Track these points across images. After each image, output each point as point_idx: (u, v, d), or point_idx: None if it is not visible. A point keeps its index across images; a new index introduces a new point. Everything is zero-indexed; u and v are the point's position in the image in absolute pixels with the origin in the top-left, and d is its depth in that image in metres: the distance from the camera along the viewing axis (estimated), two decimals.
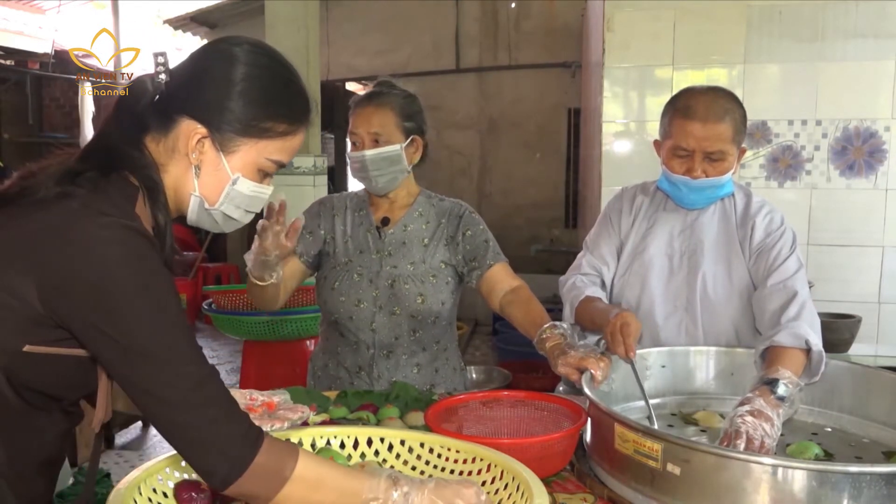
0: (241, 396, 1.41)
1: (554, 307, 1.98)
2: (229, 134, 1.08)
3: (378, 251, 1.95)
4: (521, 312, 1.82)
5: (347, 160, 1.96)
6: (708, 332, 1.82)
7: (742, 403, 1.43)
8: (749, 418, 1.40)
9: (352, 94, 10.89)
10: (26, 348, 0.98)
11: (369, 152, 1.87)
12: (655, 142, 1.88)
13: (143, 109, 1.08)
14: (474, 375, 4.19)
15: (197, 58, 1.12)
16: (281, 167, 1.15)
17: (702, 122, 1.71)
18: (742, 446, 1.35)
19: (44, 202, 0.98)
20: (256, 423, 1.03)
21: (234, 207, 1.14)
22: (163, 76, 1.10)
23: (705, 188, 1.78)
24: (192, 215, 1.14)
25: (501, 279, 1.92)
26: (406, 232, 1.97)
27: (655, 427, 1.50)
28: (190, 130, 1.07)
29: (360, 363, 1.96)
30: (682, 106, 1.76)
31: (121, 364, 0.97)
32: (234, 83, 1.07)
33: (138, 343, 0.95)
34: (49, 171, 1.02)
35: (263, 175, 1.14)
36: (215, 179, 1.10)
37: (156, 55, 1.12)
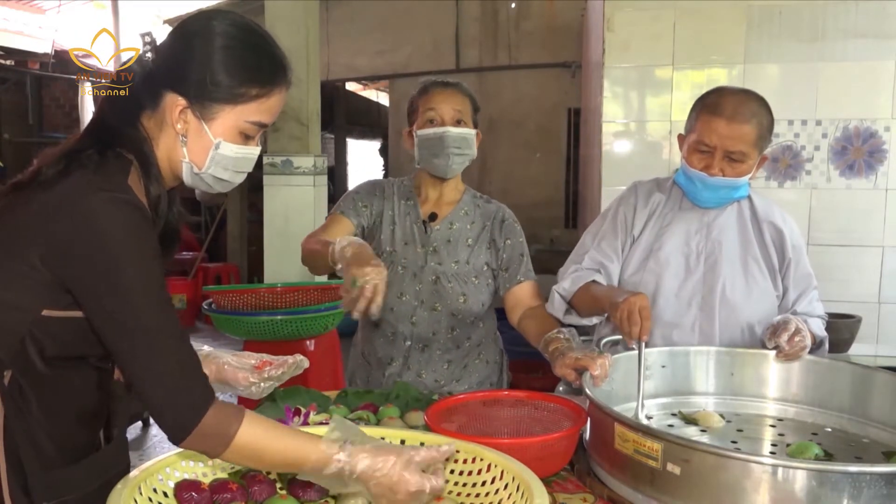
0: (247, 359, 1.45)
1: None
2: (207, 102, 1.16)
3: (423, 245, 1.97)
4: (535, 325, 1.85)
5: (415, 137, 1.93)
6: (724, 332, 1.82)
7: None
8: (792, 317, 1.68)
9: (352, 94, 10.91)
10: (44, 312, 1.08)
11: (454, 129, 1.90)
12: (679, 136, 1.87)
13: (135, 89, 1.18)
14: None
15: (176, 34, 1.20)
16: (263, 127, 1.22)
17: (727, 121, 1.70)
18: (793, 326, 1.65)
19: (46, 182, 1.08)
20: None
21: (221, 169, 1.21)
22: (149, 55, 1.18)
23: (720, 187, 1.77)
24: (186, 179, 1.22)
25: (526, 297, 1.96)
26: (452, 230, 1.98)
27: (642, 415, 1.54)
28: (172, 103, 1.16)
29: (394, 354, 1.98)
30: (711, 102, 1.75)
31: (105, 324, 1.07)
32: (208, 55, 1.15)
33: (126, 311, 1.05)
34: (52, 153, 1.12)
35: (246, 137, 1.21)
36: (200, 146, 1.18)
37: (142, 35, 1.21)
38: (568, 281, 1.85)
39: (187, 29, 1.18)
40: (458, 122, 1.91)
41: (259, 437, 1.08)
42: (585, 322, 1.84)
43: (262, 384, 1.41)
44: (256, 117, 1.19)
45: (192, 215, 7.84)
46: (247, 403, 1.37)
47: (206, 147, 1.18)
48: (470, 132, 1.93)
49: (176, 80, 1.15)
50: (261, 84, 1.18)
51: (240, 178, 1.25)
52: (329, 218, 2.00)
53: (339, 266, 1.59)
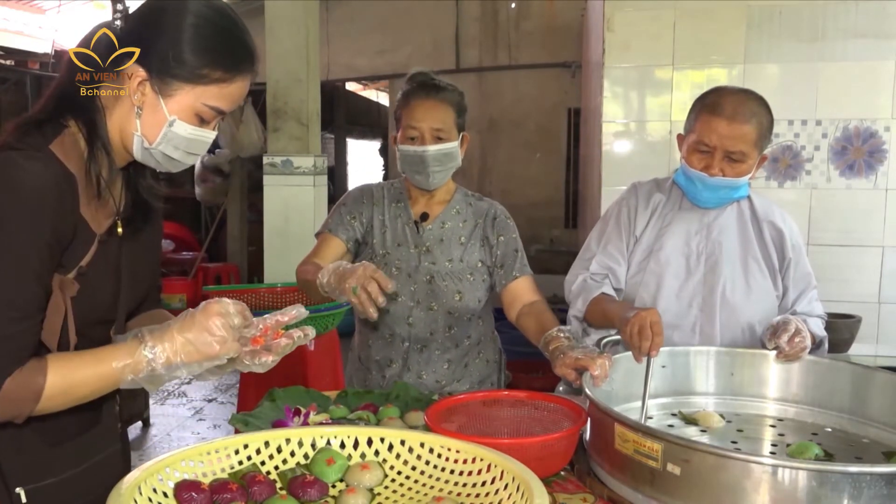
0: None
1: (555, 307, 1.98)
2: (167, 78, 1.15)
3: (416, 246, 1.96)
4: (534, 322, 1.85)
5: (397, 153, 1.93)
6: (725, 332, 1.82)
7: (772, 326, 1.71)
8: (792, 318, 1.68)
9: (352, 94, 10.90)
10: None
11: (432, 147, 1.88)
12: (679, 136, 1.87)
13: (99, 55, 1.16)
14: None
15: (149, 7, 1.18)
16: (220, 114, 1.21)
17: (728, 121, 1.71)
18: (793, 327, 1.64)
19: None
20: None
21: (172, 148, 1.19)
22: (118, 22, 1.17)
23: (720, 187, 1.77)
24: (136, 153, 1.20)
25: (523, 293, 1.95)
26: (444, 229, 1.98)
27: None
28: (132, 73, 1.14)
29: (393, 356, 1.98)
30: (711, 102, 1.76)
31: None
32: (176, 31, 1.14)
33: None
34: (8, 126, 1.12)
35: (201, 120, 1.20)
36: (154, 120, 1.16)
37: (114, 1, 1.17)
38: (580, 301, 1.86)
39: (161, 2, 1.17)
40: (438, 139, 1.88)
41: (66, 378, 1.07)
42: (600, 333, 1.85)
43: (262, 359, 1.33)
44: (215, 102, 1.18)
45: (191, 215, 7.73)
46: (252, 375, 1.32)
47: (160, 123, 1.16)
48: (451, 146, 1.90)
49: (140, 52, 1.14)
50: (224, 68, 1.17)
51: (191, 160, 1.23)
52: (319, 238, 2.00)
53: (330, 293, 1.66)
